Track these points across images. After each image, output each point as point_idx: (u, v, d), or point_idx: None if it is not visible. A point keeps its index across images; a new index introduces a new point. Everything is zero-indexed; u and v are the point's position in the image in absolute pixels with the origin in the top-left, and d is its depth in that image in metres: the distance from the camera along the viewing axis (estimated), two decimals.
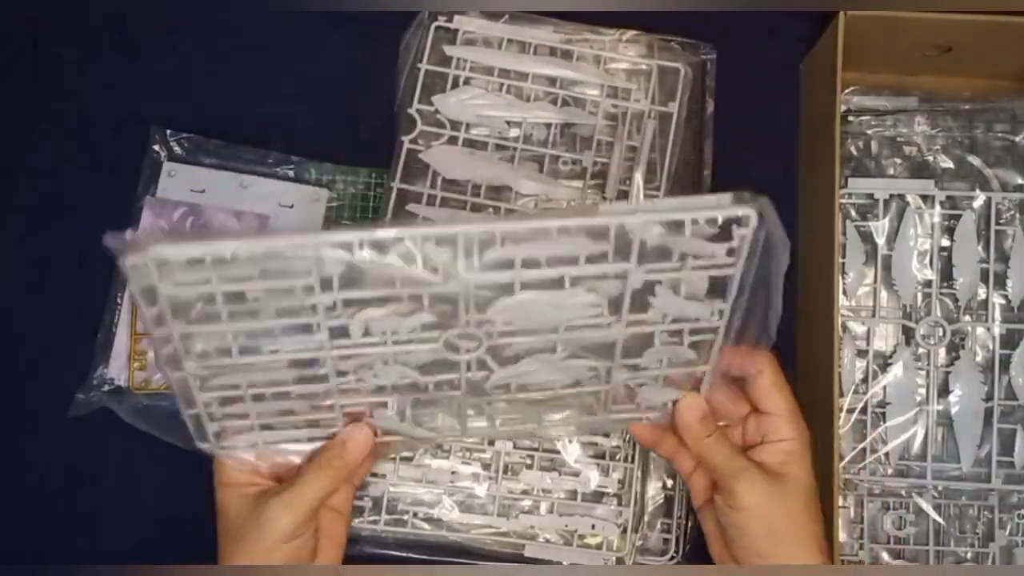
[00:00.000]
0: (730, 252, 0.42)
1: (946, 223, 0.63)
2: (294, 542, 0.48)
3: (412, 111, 0.63)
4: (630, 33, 0.65)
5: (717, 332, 0.46)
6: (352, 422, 0.49)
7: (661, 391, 0.50)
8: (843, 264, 0.63)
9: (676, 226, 0.41)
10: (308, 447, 0.50)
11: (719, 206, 0.41)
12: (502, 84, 0.64)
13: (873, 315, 0.63)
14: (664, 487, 0.62)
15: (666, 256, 0.42)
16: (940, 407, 0.62)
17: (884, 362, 0.63)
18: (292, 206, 0.65)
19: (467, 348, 0.45)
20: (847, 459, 0.62)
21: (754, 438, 0.51)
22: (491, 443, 0.61)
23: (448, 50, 0.64)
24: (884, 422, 0.62)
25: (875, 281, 0.64)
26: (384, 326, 0.43)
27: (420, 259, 0.40)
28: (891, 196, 0.64)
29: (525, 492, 0.61)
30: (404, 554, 0.60)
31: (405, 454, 0.60)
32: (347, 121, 0.67)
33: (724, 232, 0.41)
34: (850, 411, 0.62)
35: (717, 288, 0.44)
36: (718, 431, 0.50)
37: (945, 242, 0.63)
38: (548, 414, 0.51)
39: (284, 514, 0.47)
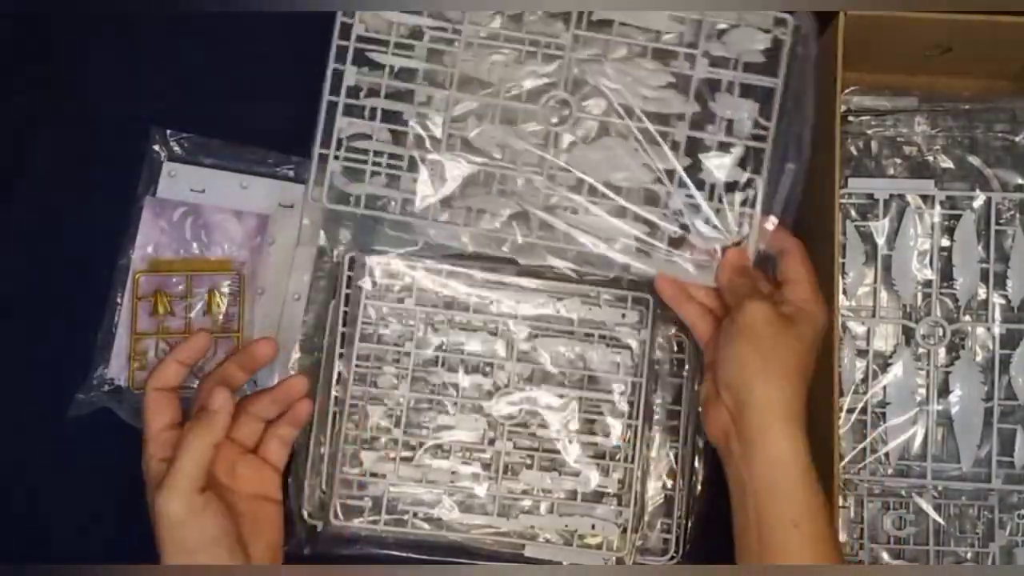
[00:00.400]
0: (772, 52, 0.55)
1: (946, 223, 0.63)
2: (198, 524, 0.49)
3: None
4: None
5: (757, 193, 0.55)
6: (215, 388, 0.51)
7: (711, 232, 0.56)
8: (843, 264, 0.63)
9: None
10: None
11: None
12: None
13: (873, 315, 0.63)
14: (664, 487, 0.62)
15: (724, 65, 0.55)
16: (940, 407, 0.62)
17: (884, 362, 0.63)
18: (292, 206, 0.65)
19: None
20: (847, 459, 0.62)
21: (779, 298, 0.54)
22: (491, 443, 0.61)
23: None
24: (884, 422, 0.62)
25: (875, 281, 0.64)
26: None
27: None
28: (891, 196, 0.64)
29: (525, 492, 0.61)
30: (404, 554, 0.60)
31: (405, 454, 0.60)
32: None
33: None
34: (850, 411, 0.62)
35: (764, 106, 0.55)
36: (748, 278, 0.55)
37: (945, 242, 0.63)
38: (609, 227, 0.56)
39: (170, 500, 0.48)
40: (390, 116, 0.58)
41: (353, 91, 0.57)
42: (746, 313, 0.52)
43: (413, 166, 0.58)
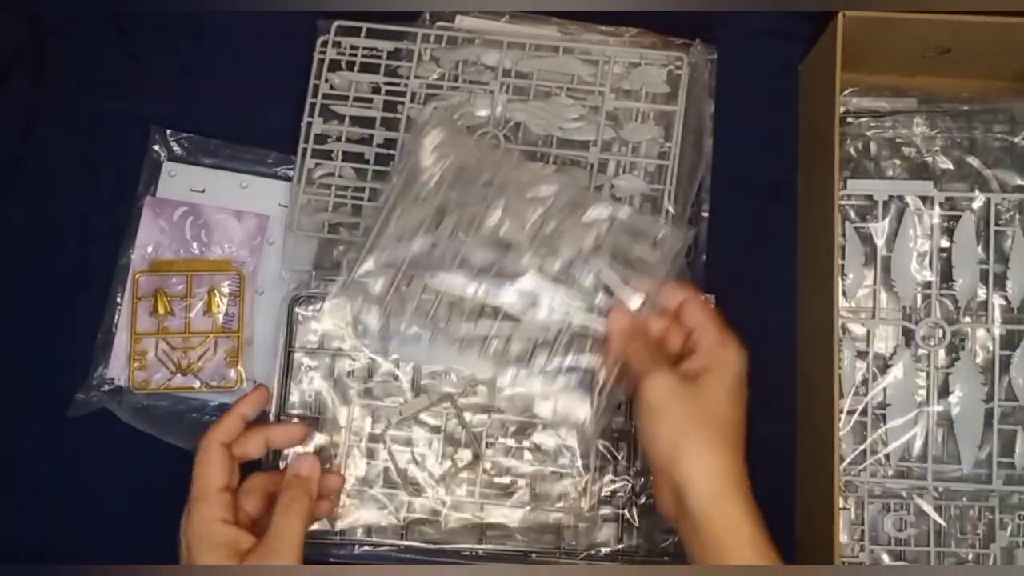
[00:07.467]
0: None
1: (945, 224, 0.63)
2: None
3: None
4: (631, 32, 0.65)
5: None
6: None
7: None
8: (843, 266, 0.63)
9: None
10: None
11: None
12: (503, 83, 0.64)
13: (873, 316, 0.63)
14: None
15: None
16: (940, 408, 0.62)
17: (884, 363, 0.63)
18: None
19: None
20: (848, 461, 0.62)
21: (688, 351, 0.50)
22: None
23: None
24: (884, 423, 0.62)
25: (875, 282, 0.64)
26: None
27: None
28: (890, 197, 0.64)
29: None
30: (405, 554, 0.60)
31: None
32: None
33: None
34: (850, 413, 0.62)
35: None
36: (643, 341, 0.50)
37: (944, 243, 0.63)
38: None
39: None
40: (356, 157, 0.64)
41: (321, 138, 0.64)
42: (647, 391, 0.47)
43: (373, 196, 0.63)
